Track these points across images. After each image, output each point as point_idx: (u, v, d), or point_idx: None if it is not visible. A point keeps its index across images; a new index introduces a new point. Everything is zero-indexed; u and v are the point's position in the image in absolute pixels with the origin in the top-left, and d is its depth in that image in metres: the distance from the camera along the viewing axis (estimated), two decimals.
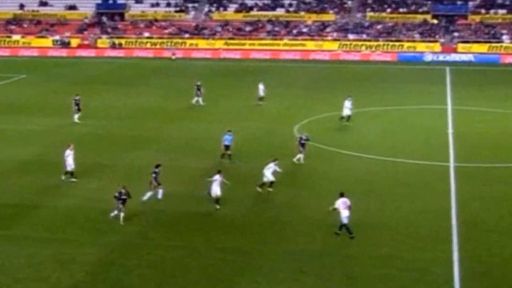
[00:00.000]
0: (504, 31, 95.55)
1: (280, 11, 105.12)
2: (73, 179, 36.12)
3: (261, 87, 57.97)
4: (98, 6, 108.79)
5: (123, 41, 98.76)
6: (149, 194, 32.78)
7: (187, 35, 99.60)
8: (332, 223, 29.31)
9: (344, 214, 28.49)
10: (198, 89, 57.71)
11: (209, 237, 29.13)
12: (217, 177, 32.05)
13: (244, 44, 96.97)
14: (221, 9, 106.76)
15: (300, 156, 39.74)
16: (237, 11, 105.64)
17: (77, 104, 50.70)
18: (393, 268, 26.09)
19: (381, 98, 57.05)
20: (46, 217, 31.43)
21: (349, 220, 28.57)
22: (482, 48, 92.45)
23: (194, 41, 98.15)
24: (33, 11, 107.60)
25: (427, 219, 31.27)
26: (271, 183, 34.88)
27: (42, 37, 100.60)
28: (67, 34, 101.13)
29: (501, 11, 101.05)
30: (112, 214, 30.38)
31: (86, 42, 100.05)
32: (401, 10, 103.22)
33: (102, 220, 30.81)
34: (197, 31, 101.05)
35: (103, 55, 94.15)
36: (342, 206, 28.55)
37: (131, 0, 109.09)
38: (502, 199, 33.22)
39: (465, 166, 39.89)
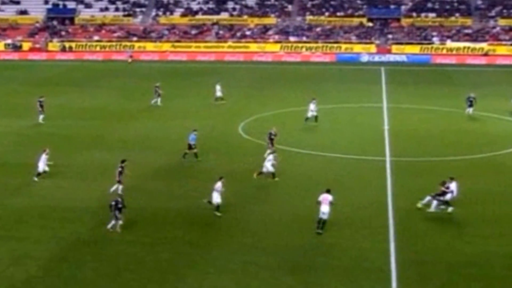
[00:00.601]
0: (435, 33, 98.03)
1: (224, 15, 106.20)
2: (35, 179, 36.41)
3: (218, 87, 59.67)
4: (49, 10, 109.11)
5: (73, 44, 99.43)
6: (119, 186, 33.75)
7: (135, 38, 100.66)
8: (283, 218, 30.51)
9: (323, 209, 28.75)
10: (156, 91, 58.69)
11: (164, 232, 29.16)
12: (218, 184, 31.16)
13: (190, 47, 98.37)
14: (168, 13, 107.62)
15: (269, 151, 38.81)
16: (183, 15, 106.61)
17: (41, 106, 51.48)
18: (333, 257, 26.76)
19: (321, 97, 56.43)
20: (0, 216, 31.29)
21: (328, 217, 28.84)
22: (415, 49, 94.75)
23: (142, 44, 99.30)
24: None
25: (364, 210, 31.81)
26: (273, 174, 35.71)
27: None
28: (19, 38, 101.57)
29: (431, 15, 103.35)
30: (109, 226, 29.07)
31: (37, 46, 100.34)
32: (338, 13, 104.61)
33: (56, 217, 30.86)
34: (145, 35, 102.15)
35: (54, 58, 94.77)
36: (323, 201, 28.89)
37: (80, 5, 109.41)
38: (435, 190, 32.35)
39: (400, 160, 40.65)
